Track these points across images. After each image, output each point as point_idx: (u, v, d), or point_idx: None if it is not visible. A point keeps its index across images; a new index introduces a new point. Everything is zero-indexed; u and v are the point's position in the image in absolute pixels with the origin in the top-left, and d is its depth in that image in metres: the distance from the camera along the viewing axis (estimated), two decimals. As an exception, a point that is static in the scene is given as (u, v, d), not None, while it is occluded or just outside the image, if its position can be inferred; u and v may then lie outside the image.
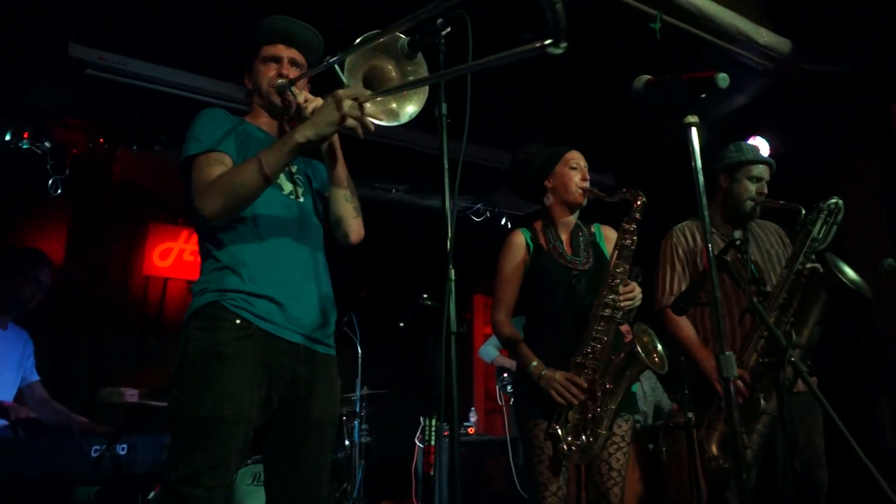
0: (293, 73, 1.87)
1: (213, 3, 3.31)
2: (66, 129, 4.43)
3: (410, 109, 1.71)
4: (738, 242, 2.13)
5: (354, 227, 1.94)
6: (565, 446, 2.18)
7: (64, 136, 4.46)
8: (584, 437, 2.18)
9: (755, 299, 1.77)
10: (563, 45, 1.20)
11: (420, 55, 1.72)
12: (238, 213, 1.69)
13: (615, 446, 2.26)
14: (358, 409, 4.84)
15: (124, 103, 3.97)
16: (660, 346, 2.24)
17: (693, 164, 1.50)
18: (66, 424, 2.81)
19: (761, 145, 4.20)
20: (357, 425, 4.81)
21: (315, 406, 1.75)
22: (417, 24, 1.53)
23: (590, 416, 2.19)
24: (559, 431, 2.20)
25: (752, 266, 2.32)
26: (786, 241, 2.67)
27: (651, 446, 3.89)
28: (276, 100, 1.87)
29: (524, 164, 2.53)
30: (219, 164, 1.70)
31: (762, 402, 2.23)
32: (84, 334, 5.05)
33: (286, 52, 1.89)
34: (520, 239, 2.44)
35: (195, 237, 5.31)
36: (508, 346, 2.38)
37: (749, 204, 2.57)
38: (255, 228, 1.75)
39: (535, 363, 2.26)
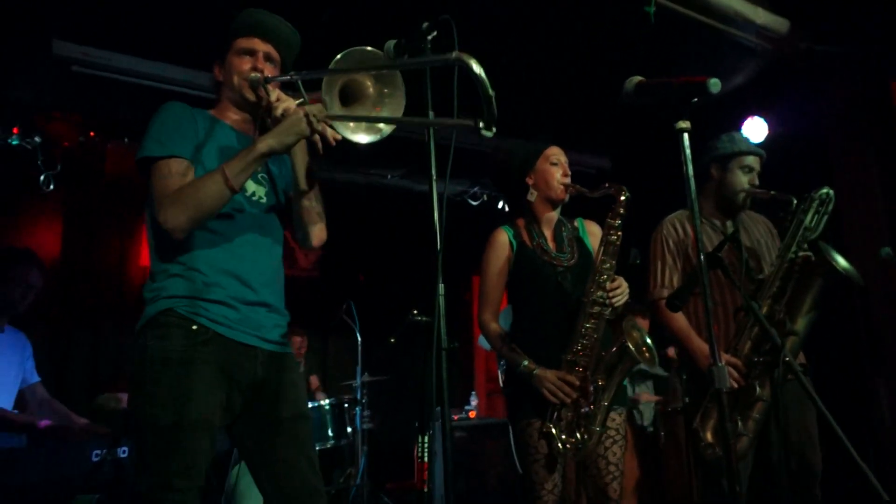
0: (267, 68, 1.83)
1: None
2: (55, 122, 4.38)
3: (384, 130, 1.73)
4: (731, 233, 2.10)
5: (316, 232, 1.90)
6: (560, 445, 2.18)
7: (54, 131, 4.42)
8: (578, 435, 2.18)
9: (749, 298, 1.76)
10: (493, 130, 1.42)
11: (398, 73, 1.72)
12: (201, 223, 1.67)
13: (611, 440, 2.26)
14: (359, 396, 4.88)
15: (112, 97, 3.91)
16: (649, 341, 2.24)
17: (685, 170, 1.47)
18: (66, 426, 2.81)
19: (759, 126, 4.16)
20: (359, 412, 4.86)
21: (284, 407, 1.77)
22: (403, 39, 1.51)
23: (583, 412, 2.19)
24: (553, 430, 2.20)
25: (746, 259, 2.30)
26: (773, 232, 2.66)
27: (650, 429, 3.92)
28: (249, 94, 1.83)
29: (504, 162, 2.51)
30: (179, 175, 1.67)
31: (757, 389, 2.24)
32: (83, 328, 5.06)
33: (262, 47, 1.84)
34: (503, 237, 2.43)
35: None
36: (496, 344, 2.37)
37: (741, 195, 2.55)
38: (212, 232, 1.72)
39: (525, 362, 2.25)
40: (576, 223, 2.52)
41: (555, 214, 2.46)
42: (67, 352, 4.92)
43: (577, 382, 2.19)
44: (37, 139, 4.26)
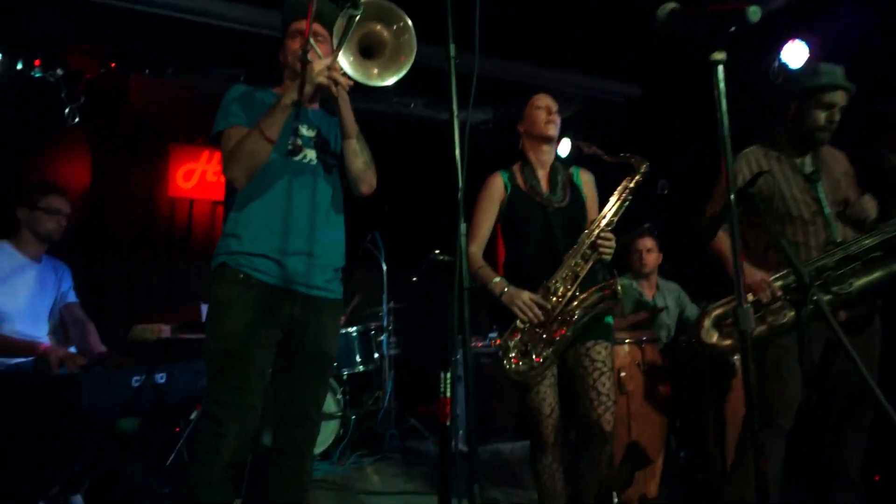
0: (316, 43, 2.05)
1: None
2: (76, 55, 4.35)
3: (395, 77, 1.95)
4: (810, 173, 2.20)
5: (365, 179, 2.16)
6: (507, 363, 2.28)
7: (76, 63, 4.39)
8: (531, 358, 2.27)
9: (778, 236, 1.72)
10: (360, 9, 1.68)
11: (396, 7, 1.91)
12: (254, 172, 1.96)
13: (598, 371, 2.32)
14: (385, 323, 5.00)
15: (131, 29, 3.85)
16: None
17: (718, 107, 1.42)
18: (85, 350, 2.94)
19: (800, 50, 3.95)
20: (385, 339, 5.00)
21: (309, 343, 2.06)
22: None
23: (544, 337, 2.28)
24: (508, 344, 2.29)
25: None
26: (851, 171, 2.58)
27: (672, 358, 3.95)
28: (299, 68, 2.02)
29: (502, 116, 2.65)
30: (236, 136, 1.98)
31: (785, 313, 2.30)
32: (116, 258, 5.19)
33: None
34: (498, 181, 2.55)
35: (217, 156, 5.38)
36: (472, 266, 2.43)
37: (821, 135, 2.47)
38: (262, 192, 2.02)
39: (497, 279, 2.37)
40: (571, 170, 2.62)
41: (548, 157, 2.58)
42: (103, 281, 5.08)
43: (548, 306, 2.29)
44: (59, 72, 4.25)
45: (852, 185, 2.56)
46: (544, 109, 2.53)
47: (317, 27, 2.08)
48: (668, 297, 4.25)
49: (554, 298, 2.32)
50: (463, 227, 1.37)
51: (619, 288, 2.31)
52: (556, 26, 4.38)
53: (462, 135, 1.51)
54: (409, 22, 1.92)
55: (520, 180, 2.54)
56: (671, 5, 1.57)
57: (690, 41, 1.62)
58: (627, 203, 2.41)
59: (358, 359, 4.80)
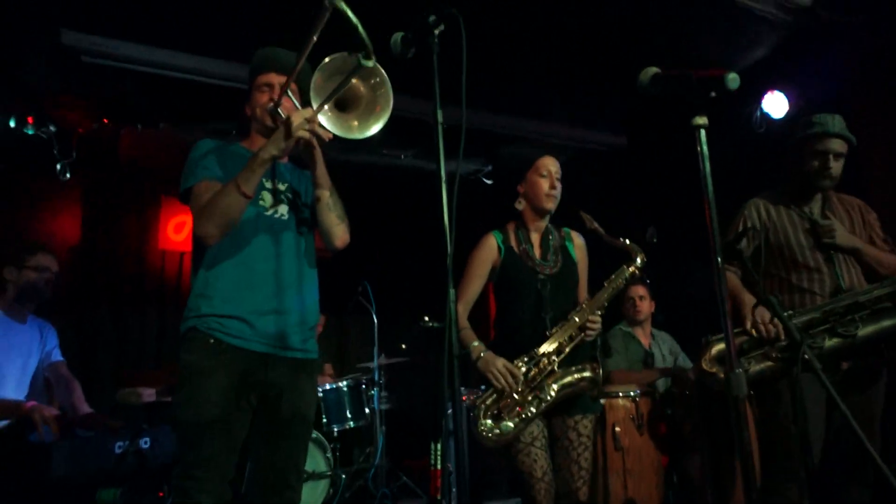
0: (284, 98, 2.02)
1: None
2: (68, 110, 4.40)
3: (374, 128, 1.91)
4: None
5: (338, 234, 2.10)
6: (479, 425, 2.28)
7: (68, 119, 4.44)
8: (504, 422, 2.27)
9: (765, 293, 1.72)
10: (373, 58, 1.61)
11: (377, 64, 1.84)
12: (229, 230, 1.90)
13: (583, 446, 2.39)
14: (377, 378, 4.92)
15: (123, 85, 3.91)
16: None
17: (701, 169, 1.43)
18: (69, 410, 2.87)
19: (779, 101, 4.06)
20: (376, 393, 4.90)
21: (285, 407, 1.98)
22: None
23: (517, 406, 2.30)
24: (481, 407, 2.30)
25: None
26: (867, 219, 2.61)
27: (669, 412, 3.90)
28: (269, 121, 2.06)
29: (502, 167, 2.67)
30: (208, 192, 1.92)
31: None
32: (105, 312, 5.13)
33: (277, 79, 2.07)
34: (492, 242, 2.56)
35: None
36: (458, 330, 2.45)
37: (820, 182, 2.51)
38: (235, 251, 1.96)
39: (475, 343, 2.39)
40: (563, 232, 2.64)
41: (543, 222, 2.58)
42: (92, 336, 5.00)
43: (520, 376, 2.31)
44: (51, 128, 4.28)
45: (871, 230, 2.57)
46: (548, 178, 2.51)
47: (284, 80, 2.04)
48: (663, 346, 4.23)
49: (535, 369, 2.35)
50: (452, 293, 1.36)
51: (601, 373, 2.36)
52: (542, 78, 4.47)
53: (450, 199, 1.51)
54: (386, 76, 1.89)
55: (513, 242, 2.55)
56: (653, 70, 1.61)
57: (673, 103, 1.65)
58: (622, 287, 2.49)
59: (349, 414, 4.69)
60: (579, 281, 2.60)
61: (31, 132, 4.26)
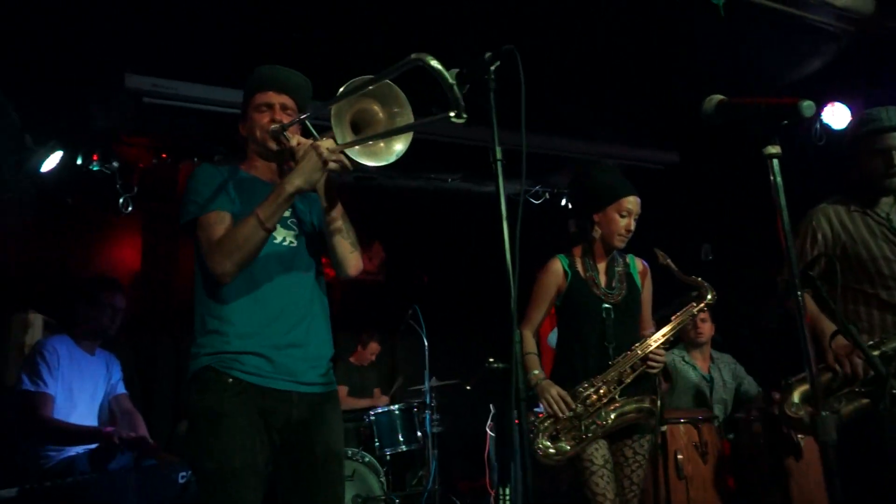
0: (285, 117, 1.93)
1: (257, 25, 3.32)
2: (130, 147, 4.59)
3: (398, 148, 1.79)
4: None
5: (352, 262, 2.00)
6: (537, 444, 2.36)
7: (130, 154, 4.63)
8: (562, 443, 2.36)
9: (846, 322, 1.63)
10: (464, 116, 1.47)
11: (399, 90, 1.77)
12: (246, 266, 1.77)
13: (637, 464, 2.49)
14: (428, 401, 4.90)
15: (181, 122, 4.06)
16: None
17: (776, 200, 1.37)
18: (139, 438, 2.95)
19: (841, 113, 3.91)
20: (428, 416, 4.88)
21: (317, 446, 1.86)
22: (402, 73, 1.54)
23: (574, 430, 2.37)
24: (540, 427, 2.38)
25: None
26: None
27: (731, 437, 3.76)
28: (272, 144, 1.93)
29: (581, 185, 2.70)
30: (220, 223, 1.80)
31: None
32: (163, 346, 5.26)
33: (277, 99, 1.94)
34: (558, 266, 2.59)
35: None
36: (522, 350, 2.51)
37: (887, 182, 2.32)
38: (246, 283, 1.82)
39: (536, 371, 2.46)
40: (627, 259, 2.67)
41: (610, 252, 2.62)
42: (152, 368, 5.13)
43: (573, 405, 2.36)
44: (115, 164, 4.47)
45: None
46: (627, 219, 2.51)
47: (286, 100, 1.95)
48: (724, 370, 4.07)
49: (594, 396, 2.39)
50: (518, 334, 1.34)
51: (658, 405, 2.44)
52: (599, 94, 4.44)
53: (512, 242, 1.48)
54: (409, 108, 1.79)
55: (580, 267, 2.58)
56: (717, 98, 1.56)
57: (742, 133, 1.60)
58: (687, 323, 2.55)
59: (401, 438, 4.68)
60: (643, 307, 2.63)
61: (96, 168, 4.46)
